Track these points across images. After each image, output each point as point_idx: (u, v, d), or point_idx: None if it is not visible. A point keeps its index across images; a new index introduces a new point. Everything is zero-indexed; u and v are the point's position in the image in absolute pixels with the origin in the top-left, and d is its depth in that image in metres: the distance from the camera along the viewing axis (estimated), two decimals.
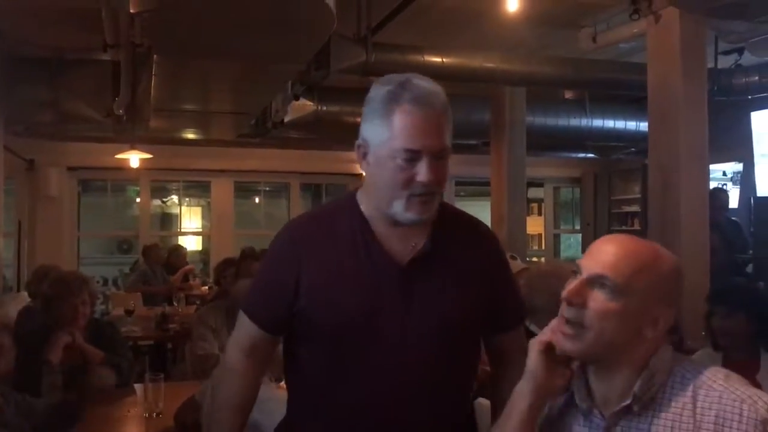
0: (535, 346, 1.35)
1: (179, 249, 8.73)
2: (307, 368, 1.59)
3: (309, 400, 1.59)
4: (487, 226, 1.78)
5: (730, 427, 1.20)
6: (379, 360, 1.52)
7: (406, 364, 1.52)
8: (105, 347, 3.29)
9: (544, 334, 1.34)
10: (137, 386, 3.25)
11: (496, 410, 1.71)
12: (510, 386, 1.65)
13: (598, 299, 1.26)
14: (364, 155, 1.52)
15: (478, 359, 1.72)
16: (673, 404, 1.26)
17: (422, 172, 1.45)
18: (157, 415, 2.82)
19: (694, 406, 1.24)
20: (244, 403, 1.65)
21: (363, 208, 1.58)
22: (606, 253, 1.29)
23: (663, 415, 1.26)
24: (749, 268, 6.30)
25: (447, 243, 1.58)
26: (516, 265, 4.42)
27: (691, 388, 1.26)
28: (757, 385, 2.82)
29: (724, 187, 7.79)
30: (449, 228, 1.60)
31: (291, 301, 1.55)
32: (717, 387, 1.25)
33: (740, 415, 1.21)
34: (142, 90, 5.37)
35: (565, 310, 1.29)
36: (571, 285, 1.29)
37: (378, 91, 1.50)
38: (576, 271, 1.31)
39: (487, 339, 1.70)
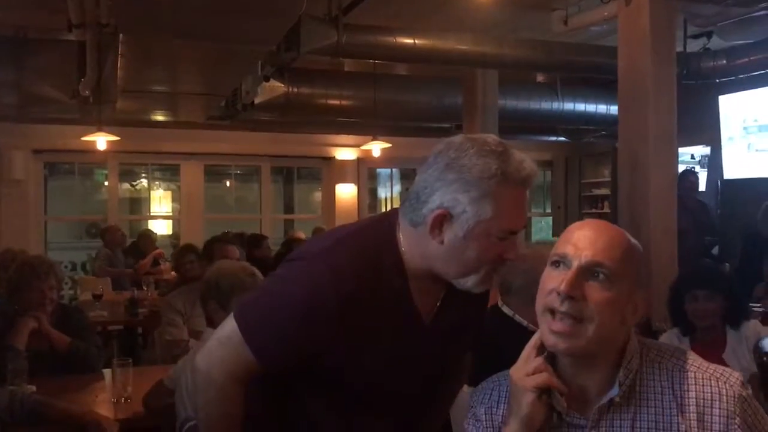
0: (528, 394, 1.23)
1: (148, 233, 8.63)
2: (300, 402, 1.53)
3: (290, 420, 1.56)
4: None
5: (711, 407, 1.21)
6: (385, 407, 1.52)
7: (412, 408, 1.55)
8: (72, 332, 3.24)
9: (536, 376, 1.24)
10: (105, 371, 3.22)
11: None
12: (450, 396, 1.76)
13: (594, 289, 1.20)
14: (440, 224, 1.39)
15: None
16: (652, 390, 1.24)
17: (512, 250, 1.42)
18: (126, 399, 2.79)
19: (673, 390, 1.23)
20: (240, 420, 1.51)
21: (407, 259, 1.45)
22: (594, 240, 1.23)
23: (645, 403, 1.23)
24: (715, 250, 6.41)
25: (458, 296, 1.51)
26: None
27: (665, 371, 1.25)
28: (724, 363, 2.88)
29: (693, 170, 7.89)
30: None
31: (311, 352, 1.43)
32: (689, 368, 1.25)
33: (719, 394, 1.21)
34: (109, 71, 5.27)
35: (561, 306, 1.20)
36: (567, 277, 1.20)
37: (475, 162, 1.37)
38: (560, 261, 1.24)
39: None
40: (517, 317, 2.83)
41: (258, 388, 1.52)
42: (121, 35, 4.20)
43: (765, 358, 2.04)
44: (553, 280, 1.22)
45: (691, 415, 1.21)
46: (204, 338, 2.46)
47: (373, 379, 1.47)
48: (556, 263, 1.24)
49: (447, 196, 1.37)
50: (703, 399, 1.21)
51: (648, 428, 1.22)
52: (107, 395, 2.91)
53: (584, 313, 1.19)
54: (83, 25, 4.17)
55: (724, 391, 1.21)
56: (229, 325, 1.47)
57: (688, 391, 1.22)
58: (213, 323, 2.58)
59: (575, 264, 1.21)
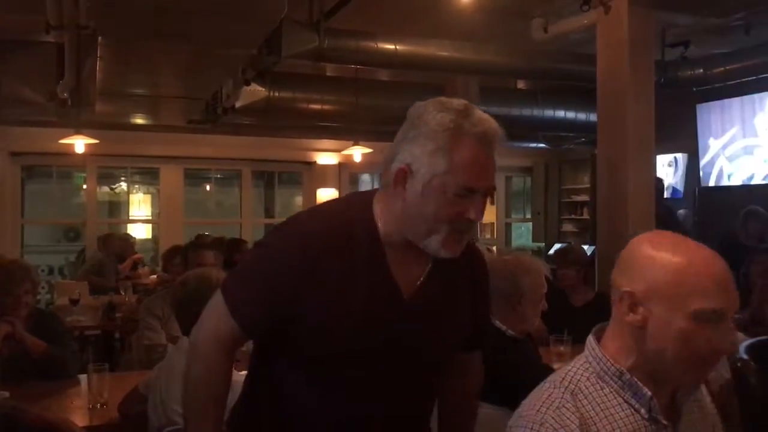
0: None
1: (127, 237, 8.57)
2: (281, 377, 1.53)
3: (277, 408, 1.54)
4: (481, 252, 1.74)
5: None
6: (365, 384, 1.49)
7: (393, 388, 1.51)
8: (47, 338, 3.20)
9: None
10: (81, 377, 3.18)
11: (446, 415, 1.76)
12: (465, 395, 1.75)
13: None
14: (403, 181, 1.40)
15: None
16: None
17: (473, 209, 1.39)
18: (102, 405, 2.76)
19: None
20: (225, 395, 1.55)
21: (380, 225, 1.47)
22: (731, 279, 1.27)
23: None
24: None
25: (445, 273, 1.52)
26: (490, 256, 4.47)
27: None
28: None
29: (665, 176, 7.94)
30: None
31: (286, 314, 1.45)
32: None
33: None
34: (88, 73, 5.22)
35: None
36: (735, 330, 1.28)
37: (434, 116, 1.39)
38: (726, 313, 1.24)
39: (457, 354, 1.68)
40: (497, 323, 2.84)
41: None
42: (100, 38, 4.16)
43: (739, 364, 2.06)
44: (718, 338, 1.23)
45: None
46: (180, 345, 2.43)
47: (351, 347, 1.45)
48: (713, 320, 1.22)
49: (407, 152, 1.40)
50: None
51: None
52: (83, 401, 2.88)
53: None
54: (61, 27, 4.12)
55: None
56: (216, 295, 1.54)
57: None
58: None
59: (730, 314, 1.24)
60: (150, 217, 12.07)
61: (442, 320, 1.53)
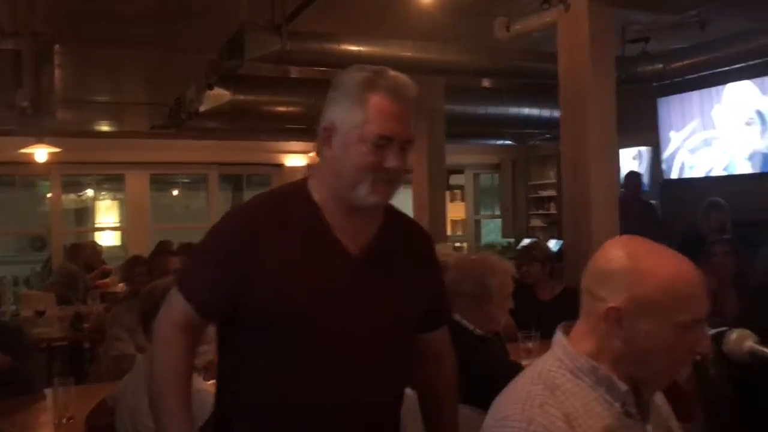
0: None
1: (95, 246, 8.44)
2: (247, 359, 1.55)
3: (247, 392, 1.56)
4: (422, 226, 1.82)
5: None
6: (328, 353, 1.51)
7: (356, 357, 1.52)
8: (11, 352, 3.14)
9: None
10: (47, 391, 3.12)
11: (431, 407, 1.77)
12: (445, 381, 1.75)
13: None
14: (328, 138, 1.52)
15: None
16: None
17: (391, 158, 1.49)
18: (68, 420, 2.71)
19: None
20: (188, 371, 1.58)
21: (316, 196, 1.57)
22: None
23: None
24: None
25: (395, 239, 1.61)
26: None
27: None
28: None
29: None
30: (395, 225, 1.65)
31: (236, 288, 1.51)
32: None
33: None
34: (47, 81, 5.13)
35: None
36: (708, 336, 1.33)
37: (351, 75, 1.52)
38: (696, 324, 1.28)
39: (421, 337, 1.70)
40: (464, 322, 2.86)
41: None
42: (57, 45, 4.10)
43: (698, 356, 2.10)
44: (697, 342, 1.28)
45: None
46: (148, 355, 2.41)
47: (310, 315, 1.49)
48: (691, 328, 1.27)
49: (330, 112, 1.53)
50: None
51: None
52: (49, 417, 2.82)
53: None
54: (17, 34, 4.05)
55: None
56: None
57: None
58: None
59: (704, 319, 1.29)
60: (118, 224, 11.91)
61: (396, 281, 1.59)
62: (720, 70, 6.35)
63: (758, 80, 6.68)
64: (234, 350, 1.58)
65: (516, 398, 1.29)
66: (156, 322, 1.61)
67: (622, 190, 6.68)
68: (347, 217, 1.55)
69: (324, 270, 1.52)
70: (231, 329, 1.57)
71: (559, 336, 1.36)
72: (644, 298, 1.25)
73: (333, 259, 1.53)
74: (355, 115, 1.48)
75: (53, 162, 8.25)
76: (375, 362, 1.54)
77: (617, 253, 1.30)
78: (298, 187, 1.61)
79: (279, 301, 1.49)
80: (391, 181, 1.52)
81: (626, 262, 1.28)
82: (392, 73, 1.53)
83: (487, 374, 2.24)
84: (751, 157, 6.99)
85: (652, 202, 7.47)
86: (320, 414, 1.51)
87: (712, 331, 2.47)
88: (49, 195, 9.95)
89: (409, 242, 1.66)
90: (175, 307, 1.58)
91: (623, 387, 1.28)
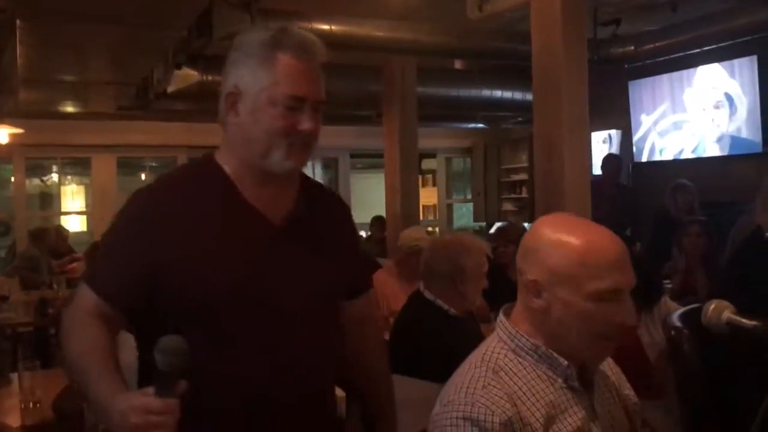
0: None
1: (61, 231, 8.27)
2: None
3: None
4: (337, 194, 1.79)
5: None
6: (261, 332, 1.43)
7: (289, 332, 1.45)
8: None
9: None
10: (13, 376, 3.06)
11: (361, 374, 1.71)
12: (372, 353, 1.71)
13: None
14: (234, 104, 1.44)
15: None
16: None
17: (305, 120, 1.42)
18: (35, 404, 2.66)
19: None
20: (113, 349, 1.40)
21: (227, 168, 1.48)
22: (627, 257, 1.32)
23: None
24: (628, 231, 6.64)
25: (313, 208, 1.55)
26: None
27: None
28: (637, 338, 2.97)
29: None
30: (312, 194, 1.58)
31: (150, 276, 1.40)
32: None
33: None
34: (8, 59, 4.99)
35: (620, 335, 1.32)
36: (632, 309, 1.31)
37: (254, 35, 1.44)
38: (615, 294, 1.29)
39: (345, 303, 1.65)
40: (439, 302, 2.86)
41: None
42: (18, 21, 3.96)
43: (673, 332, 2.11)
44: (610, 314, 1.28)
45: None
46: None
47: (232, 293, 1.40)
48: (609, 300, 1.28)
49: (233, 75, 1.44)
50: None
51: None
52: (15, 401, 2.77)
53: None
54: None
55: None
56: None
57: None
58: None
59: (629, 286, 1.30)
60: (84, 209, 11.71)
61: (320, 250, 1.52)
62: (691, 52, 6.40)
63: (727, 63, 6.74)
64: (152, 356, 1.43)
65: (460, 383, 1.30)
66: (63, 316, 1.48)
67: (599, 173, 6.75)
68: (263, 187, 1.47)
69: (246, 244, 1.44)
70: (150, 323, 1.44)
71: (501, 317, 1.39)
72: (556, 269, 1.28)
73: (254, 232, 1.46)
74: (262, 76, 1.40)
75: (16, 144, 8.05)
76: (308, 335, 1.48)
77: (540, 229, 1.35)
78: (206, 161, 1.53)
79: (200, 284, 1.39)
80: (307, 144, 1.45)
81: (544, 237, 1.32)
82: (297, 30, 1.46)
83: (458, 352, 2.23)
84: (719, 140, 7.07)
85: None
86: (259, 397, 1.42)
87: (686, 308, 2.50)
88: (12, 179, 9.74)
89: (327, 210, 1.61)
90: (85, 299, 1.45)
91: (564, 362, 1.30)
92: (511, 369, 1.30)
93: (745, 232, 3.30)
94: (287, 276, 1.47)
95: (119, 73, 6.34)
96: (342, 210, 1.68)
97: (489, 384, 1.27)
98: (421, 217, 8.75)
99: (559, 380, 1.31)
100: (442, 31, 5.93)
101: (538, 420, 1.26)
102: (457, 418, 1.25)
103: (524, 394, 1.28)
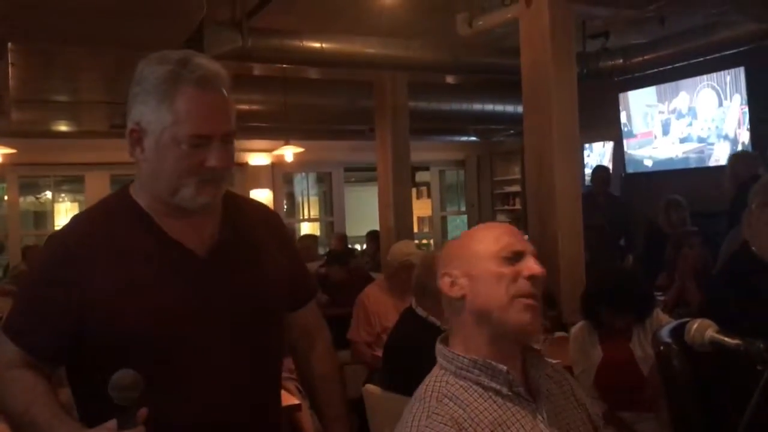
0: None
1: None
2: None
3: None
4: (267, 206, 1.76)
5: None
6: (199, 365, 1.40)
7: (229, 361, 1.43)
8: None
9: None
10: None
11: (312, 384, 1.71)
12: (321, 360, 1.69)
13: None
14: (137, 141, 1.38)
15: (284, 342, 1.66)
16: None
17: (212, 157, 1.36)
18: None
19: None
20: (51, 393, 1.36)
21: (141, 203, 1.44)
22: (514, 229, 1.42)
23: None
24: (622, 242, 6.66)
25: (239, 227, 1.50)
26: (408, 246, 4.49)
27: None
28: (630, 352, 2.97)
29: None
30: (237, 212, 1.54)
31: (73, 322, 1.35)
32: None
33: None
34: (0, 80, 5.01)
35: (530, 287, 1.33)
36: (534, 263, 1.34)
37: (153, 70, 1.36)
38: (514, 257, 1.34)
39: (290, 315, 1.64)
40: (431, 318, 2.86)
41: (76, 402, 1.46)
42: (9, 43, 3.98)
43: (662, 348, 2.12)
44: (515, 271, 1.33)
45: None
46: None
47: (166, 332, 1.36)
48: (510, 259, 1.34)
49: (135, 111, 1.37)
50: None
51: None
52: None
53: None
54: None
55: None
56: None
57: None
58: None
59: (530, 252, 1.35)
60: None
61: (251, 272, 1.49)
62: (679, 65, 6.45)
63: (714, 75, 6.81)
64: (93, 394, 1.33)
65: (408, 418, 1.31)
66: None
67: (589, 184, 6.78)
68: (181, 219, 1.42)
69: (170, 281, 1.39)
70: (83, 370, 1.40)
71: (438, 347, 1.41)
72: (458, 254, 1.39)
73: (178, 266, 1.41)
74: (163, 115, 1.34)
75: (9, 164, 8.05)
76: (248, 360, 1.45)
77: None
78: (120, 197, 1.48)
79: (128, 319, 1.35)
80: (218, 179, 1.40)
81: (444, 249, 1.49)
82: (198, 60, 1.38)
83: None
84: (709, 150, 7.11)
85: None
86: (200, 426, 1.40)
87: (675, 323, 2.51)
88: (5, 197, 9.72)
89: (256, 226, 1.56)
90: (7, 353, 1.38)
91: (502, 368, 1.31)
92: (454, 394, 1.31)
93: (735, 245, 3.32)
94: (216, 304, 1.43)
95: (112, 93, 6.35)
96: (273, 221, 1.64)
97: (433, 413, 1.28)
98: (415, 230, 8.77)
99: (504, 389, 1.31)
100: (433, 47, 5.97)
101: None
102: None
103: (468, 417, 1.28)
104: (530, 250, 1.36)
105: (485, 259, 1.34)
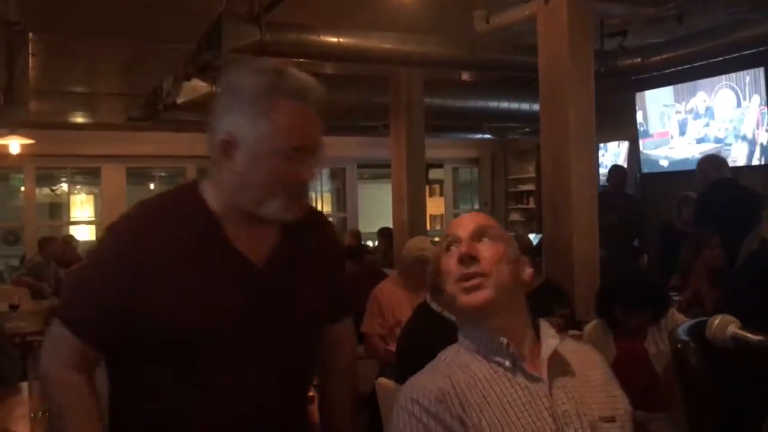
0: None
1: (69, 240, 8.33)
2: (148, 388, 1.42)
3: (152, 424, 1.43)
4: (324, 214, 1.77)
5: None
6: (237, 371, 1.42)
7: (271, 364, 1.45)
8: None
9: None
10: (23, 385, 3.08)
11: (330, 396, 1.71)
12: (340, 370, 1.71)
13: (487, 247, 1.38)
14: (228, 150, 1.38)
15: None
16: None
17: (306, 170, 1.40)
18: (44, 413, 2.67)
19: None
20: (91, 409, 1.41)
21: (213, 205, 1.44)
22: (470, 215, 1.48)
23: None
24: (636, 242, 6.63)
25: (297, 241, 1.50)
26: None
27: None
28: (645, 351, 2.96)
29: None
30: (296, 224, 1.51)
31: (130, 313, 1.37)
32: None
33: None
34: (20, 71, 5.05)
35: (460, 269, 1.36)
36: (461, 246, 1.38)
37: (249, 80, 1.38)
38: (451, 243, 1.41)
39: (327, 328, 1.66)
40: (446, 313, 2.86)
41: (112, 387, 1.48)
42: (30, 34, 4.02)
43: (679, 345, 2.11)
44: (452, 256, 1.39)
45: None
46: None
47: (213, 335, 1.39)
48: (448, 246, 1.40)
49: (227, 122, 1.38)
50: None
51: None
52: (24, 410, 2.78)
53: (482, 268, 1.36)
54: None
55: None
56: (54, 321, 1.45)
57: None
58: None
59: (464, 234, 1.39)
60: (93, 218, 11.77)
61: (302, 288, 1.51)
62: (697, 64, 6.41)
63: (732, 75, 6.76)
64: (132, 380, 1.43)
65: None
66: (43, 358, 1.43)
67: (606, 183, 6.75)
68: (247, 227, 1.44)
69: (227, 283, 1.42)
70: (127, 357, 1.43)
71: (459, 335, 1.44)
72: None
73: (236, 274, 1.43)
74: (261, 127, 1.35)
75: (26, 154, 8.12)
76: (283, 368, 1.47)
77: None
78: (189, 194, 1.47)
79: (179, 322, 1.37)
80: (304, 191, 1.44)
81: None
82: (293, 72, 1.41)
83: None
84: (728, 150, 7.07)
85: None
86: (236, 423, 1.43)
87: (692, 321, 2.50)
88: (22, 188, 9.81)
89: (312, 237, 1.56)
90: (63, 344, 1.40)
91: (503, 340, 1.33)
92: (463, 362, 1.35)
93: (753, 245, 3.30)
94: (267, 314, 1.45)
95: (129, 85, 6.40)
96: (326, 233, 1.66)
97: (437, 370, 1.35)
98: (428, 227, 8.76)
99: (507, 362, 1.32)
100: (449, 44, 5.96)
101: (482, 408, 1.29)
102: (405, 400, 1.33)
103: (465, 380, 1.31)
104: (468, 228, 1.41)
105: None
